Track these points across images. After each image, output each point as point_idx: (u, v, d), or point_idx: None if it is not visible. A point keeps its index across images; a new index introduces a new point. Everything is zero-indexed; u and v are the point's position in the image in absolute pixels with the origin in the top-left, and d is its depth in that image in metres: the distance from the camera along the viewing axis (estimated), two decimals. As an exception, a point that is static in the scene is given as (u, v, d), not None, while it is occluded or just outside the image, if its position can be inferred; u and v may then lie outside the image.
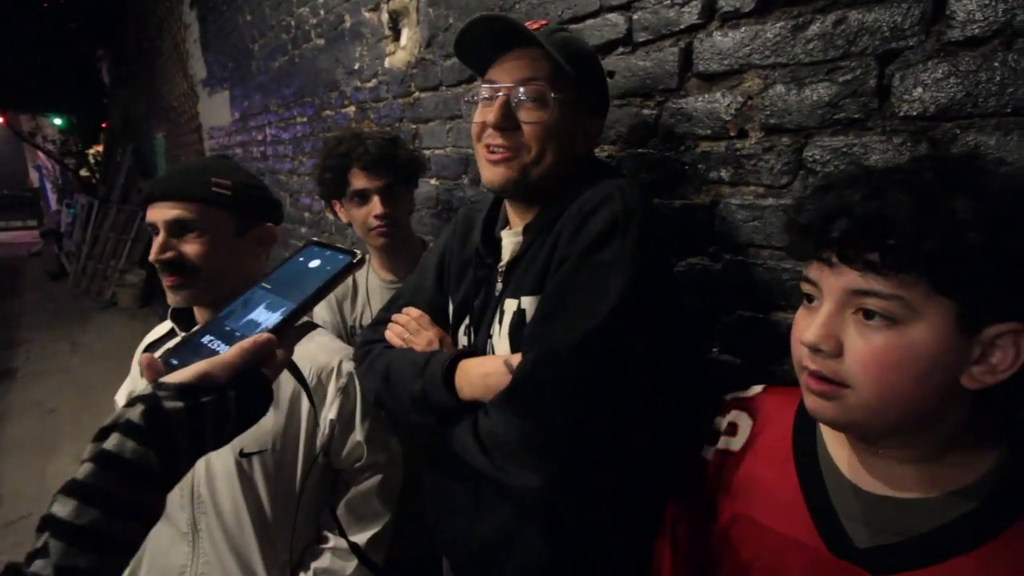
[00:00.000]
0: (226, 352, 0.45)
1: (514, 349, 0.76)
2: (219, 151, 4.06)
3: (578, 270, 0.69)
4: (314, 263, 0.53)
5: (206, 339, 0.49)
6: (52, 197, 13.20)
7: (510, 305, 0.77)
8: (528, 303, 0.75)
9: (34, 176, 15.30)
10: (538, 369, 0.67)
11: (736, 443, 0.68)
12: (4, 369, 4.32)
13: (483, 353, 0.80)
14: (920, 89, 0.65)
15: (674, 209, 0.92)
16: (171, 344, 0.54)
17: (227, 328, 0.49)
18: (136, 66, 6.96)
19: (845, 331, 0.51)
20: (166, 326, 0.99)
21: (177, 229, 0.85)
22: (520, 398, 0.68)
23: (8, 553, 2.38)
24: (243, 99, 3.34)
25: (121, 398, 0.99)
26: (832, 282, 0.52)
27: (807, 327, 0.53)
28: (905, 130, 0.67)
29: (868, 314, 0.49)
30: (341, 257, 0.52)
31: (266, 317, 0.48)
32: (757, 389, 0.72)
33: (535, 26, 0.76)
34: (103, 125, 9.10)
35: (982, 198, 0.46)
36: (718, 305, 0.88)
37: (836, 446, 0.60)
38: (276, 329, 0.47)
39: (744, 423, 0.69)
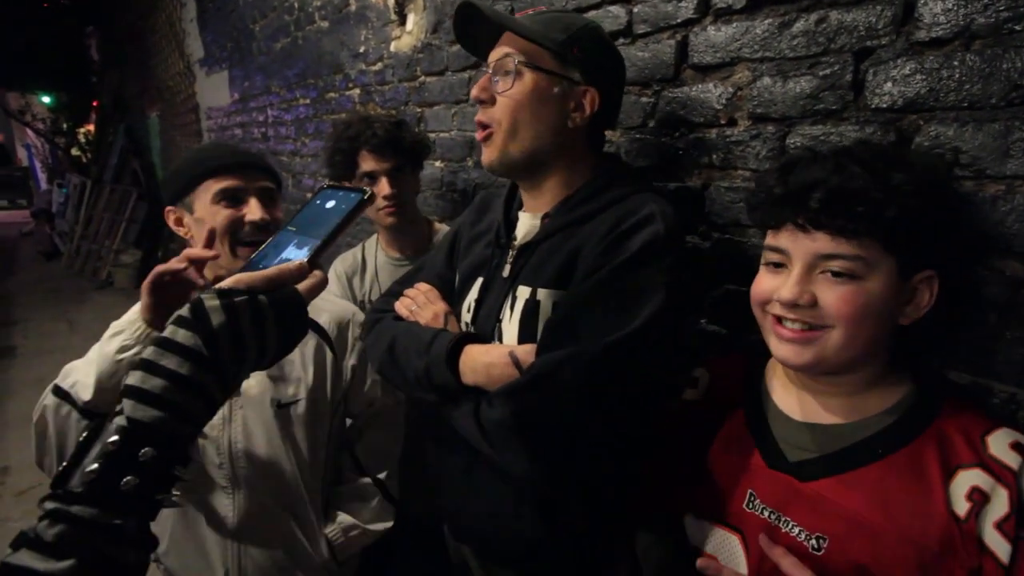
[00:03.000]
0: (265, 270, 0.50)
1: (523, 338, 0.78)
2: (217, 131, 4.06)
3: (611, 282, 0.71)
4: (330, 203, 0.58)
5: None
6: (42, 176, 13.03)
7: (523, 292, 0.79)
8: (544, 296, 0.77)
9: (23, 154, 15.06)
10: (559, 369, 0.68)
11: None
12: (4, 347, 4.36)
13: (489, 336, 0.82)
14: (890, 84, 0.73)
15: (669, 191, 1.00)
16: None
17: (262, 267, 0.54)
18: (128, 44, 6.86)
19: (816, 286, 0.61)
20: None
21: (262, 194, 0.92)
22: (534, 393, 0.69)
23: (20, 521, 2.45)
24: (243, 80, 3.35)
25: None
26: (804, 246, 0.61)
27: (779, 287, 0.62)
28: (876, 121, 0.74)
29: (836, 273, 0.59)
30: (353, 195, 0.57)
31: (296, 253, 0.54)
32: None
33: (529, 11, 0.82)
34: (94, 104, 8.97)
35: (911, 172, 0.59)
36: (707, 280, 0.96)
37: (777, 388, 0.72)
38: (309, 260, 0.52)
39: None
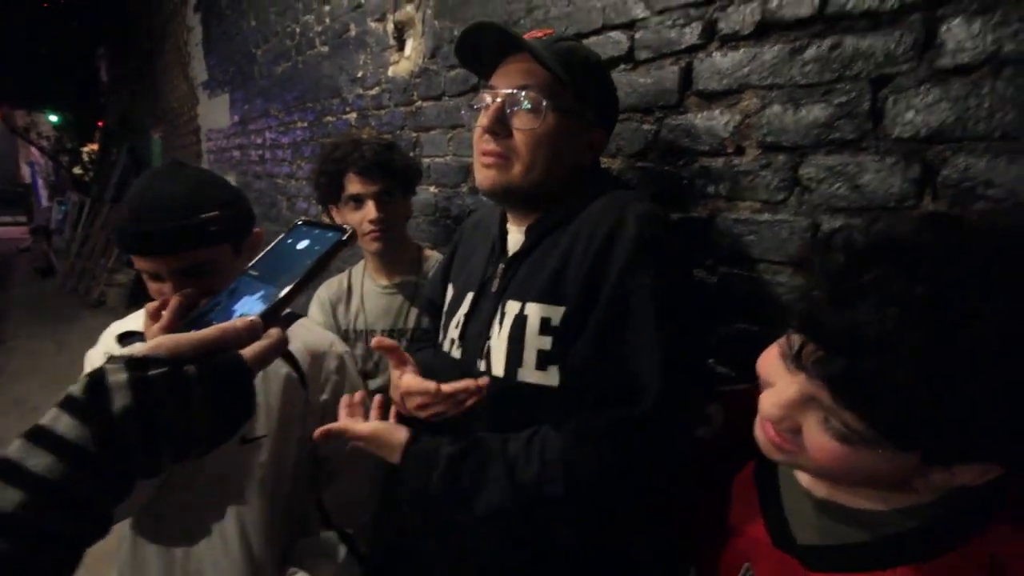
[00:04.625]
0: (198, 331, 0.39)
1: (511, 355, 0.74)
2: (216, 153, 4.06)
3: (626, 297, 0.68)
4: (302, 244, 0.49)
5: None
6: (43, 194, 13.08)
7: (512, 307, 0.75)
8: (533, 310, 0.73)
9: (26, 171, 15.17)
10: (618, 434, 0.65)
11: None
12: (-13, 366, 4.25)
13: (478, 353, 0.78)
14: (912, 112, 0.67)
15: (672, 222, 0.94)
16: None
17: (208, 322, 0.44)
18: (136, 66, 6.97)
19: (804, 418, 0.48)
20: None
21: (185, 275, 0.78)
22: (648, 428, 0.65)
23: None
24: (244, 103, 3.35)
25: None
26: (804, 380, 0.47)
27: (770, 394, 0.51)
28: (898, 151, 0.69)
29: (829, 426, 0.46)
30: (330, 235, 0.48)
31: (252, 305, 0.44)
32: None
33: (539, 35, 0.78)
34: (99, 124, 9.06)
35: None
36: (714, 317, 0.89)
37: None
38: (264, 315, 0.42)
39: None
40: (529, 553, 0.75)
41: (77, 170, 9.25)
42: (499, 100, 0.75)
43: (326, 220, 1.30)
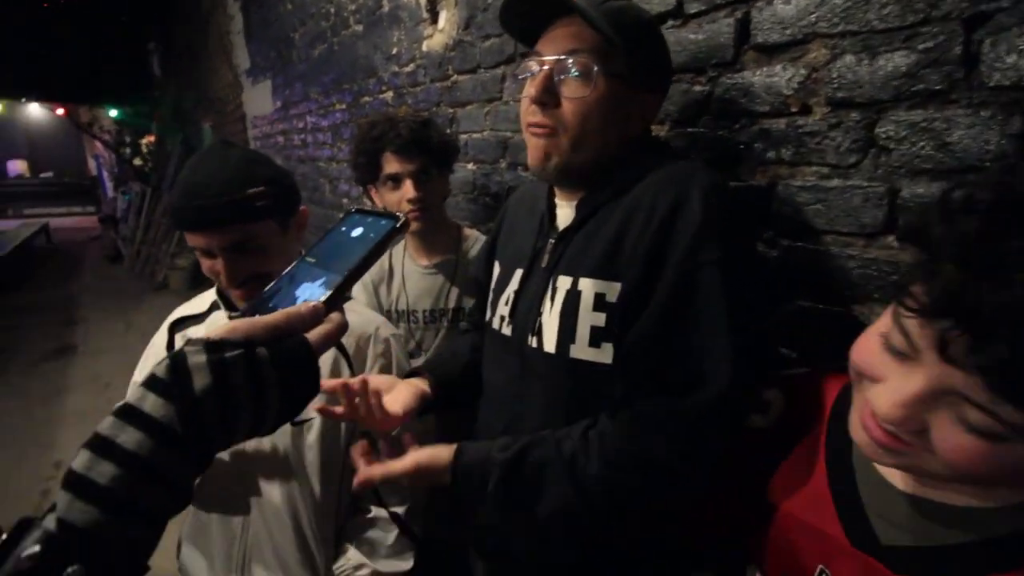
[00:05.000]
0: (267, 315, 0.41)
1: (564, 331, 0.71)
2: (262, 139, 4.15)
3: (693, 274, 0.64)
4: (357, 231, 0.50)
5: None
6: (108, 185, 13.89)
7: (563, 283, 0.72)
8: (587, 286, 0.70)
9: (92, 165, 16.12)
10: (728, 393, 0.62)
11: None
12: (66, 345, 4.60)
13: (530, 331, 0.75)
14: (1015, 56, 0.58)
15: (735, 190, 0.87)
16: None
17: (271, 306, 0.46)
18: (184, 58, 7.19)
19: (933, 416, 0.42)
20: (205, 300, 0.96)
21: (235, 251, 0.82)
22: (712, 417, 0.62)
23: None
24: (284, 88, 3.40)
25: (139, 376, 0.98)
26: (936, 369, 0.41)
27: (884, 392, 0.44)
28: (996, 102, 0.60)
29: (970, 427, 0.40)
30: (384, 222, 0.49)
31: (312, 291, 0.46)
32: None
33: None
34: (154, 116, 9.47)
35: None
36: (773, 295, 0.83)
37: None
38: (326, 301, 0.45)
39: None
40: (575, 544, 0.73)
41: (137, 161, 9.74)
42: (546, 68, 0.71)
43: (368, 204, 1.30)
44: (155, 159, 8.78)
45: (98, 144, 12.10)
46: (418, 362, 1.30)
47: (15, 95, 12.05)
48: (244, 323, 0.40)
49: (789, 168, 0.79)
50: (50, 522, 0.32)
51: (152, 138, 9.59)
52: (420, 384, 0.84)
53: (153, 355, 0.97)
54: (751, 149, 0.83)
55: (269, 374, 0.38)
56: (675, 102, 0.94)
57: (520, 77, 0.75)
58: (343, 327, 0.44)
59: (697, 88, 0.90)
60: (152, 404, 0.35)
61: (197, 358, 0.36)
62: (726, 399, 0.61)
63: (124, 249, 8.08)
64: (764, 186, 0.82)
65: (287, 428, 0.85)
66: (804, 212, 0.77)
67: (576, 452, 0.66)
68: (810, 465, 0.60)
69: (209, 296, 0.95)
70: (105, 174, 14.44)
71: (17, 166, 14.21)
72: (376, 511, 0.91)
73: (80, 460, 0.34)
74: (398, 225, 0.49)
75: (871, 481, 0.53)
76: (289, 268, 0.49)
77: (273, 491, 0.87)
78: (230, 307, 0.91)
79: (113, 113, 10.85)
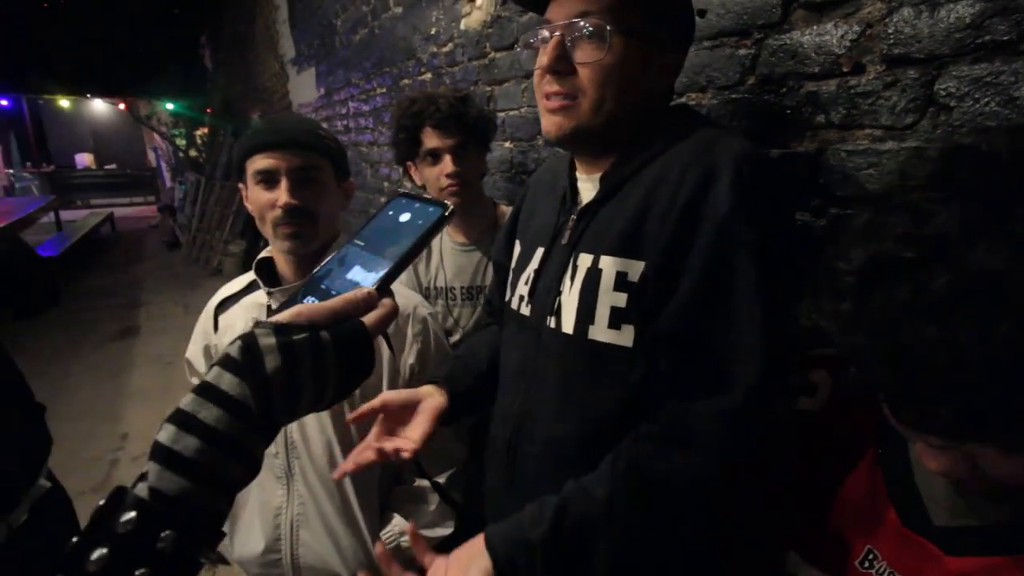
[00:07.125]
0: (328, 300, 0.45)
1: (582, 311, 0.69)
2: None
3: (727, 257, 0.61)
4: (404, 216, 0.51)
5: (307, 300, 0.48)
6: (167, 175, 14.63)
7: (584, 260, 0.70)
8: (608, 263, 0.67)
9: (151, 156, 17.00)
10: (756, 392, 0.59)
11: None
12: (130, 326, 4.92)
13: (548, 310, 0.73)
14: (1099, -2, 0.53)
15: (772, 160, 0.84)
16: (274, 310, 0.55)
17: (324, 287, 0.48)
18: (233, 51, 7.44)
19: (978, 457, 0.43)
20: (243, 280, 1.00)
21: (299, 177, 0.87)
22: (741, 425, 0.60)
23: (137, 484, 2.73)
24: (328, 75, 3.47)
25: (193, 351, 1.02)
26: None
27: (923, 451, 0.45)
28: (1074, 50, 0.55)
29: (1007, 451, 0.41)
30: (432, 209, 0.50)
31: (363, 276, 0.48)
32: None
33: None
34: (207, 109, 9.88)
35: None
36: (818, 266, 0.79)
37: None
38: (378, 287, 0.46)
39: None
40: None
41: (193, 152, 10.21)
42: (558, 34, 0.67)
43: (408, 185, 1.32)
44: (208, 150, 9.18)
45: (156, 136, 12.74)
46: (455, 339, 1.34)
47: (80, 91, 12.81)
48: (308, 308, 0.43)
49: (839, 132, 0.75)
50: (141, 491, 0.35)
51: (205, 129, 10.02)
52: (437, 399, 0.82)
53: (200, 334, 1.01)
54: (799, 113, 0.80)
55: (331, 356, 0.41)
56: (718, 69, 0.91)
57: (532, 44, 0.72)
58: (395, 312, 0.46)
59: (742, 52, 0.87)
60: (229, 382, 0.38)
61: (267, 340, 0.39)
62: (754, 400, 0.59)
63: (181, 236, 8.52)
64: (812, 152, 0.78)
65: None
66: (855, 178, 0.74)
67: (612, 495, 0.62)
68: (861, 448, 0.58)
69: (247, 277, 0.99)
70: (163, 165, 15.21)
71: (84, 159, 15.12)
72: (417, 480, 0.95)
73: (166, 433, 0.37)
74: (446, 213, 0.49)
75: (922, 464, 0.51)
76: (338, 252, 0.51)
77: (318, 462, 0.91)
78: (271, 283, 0.93)
79: (169, 106, 11.39)
